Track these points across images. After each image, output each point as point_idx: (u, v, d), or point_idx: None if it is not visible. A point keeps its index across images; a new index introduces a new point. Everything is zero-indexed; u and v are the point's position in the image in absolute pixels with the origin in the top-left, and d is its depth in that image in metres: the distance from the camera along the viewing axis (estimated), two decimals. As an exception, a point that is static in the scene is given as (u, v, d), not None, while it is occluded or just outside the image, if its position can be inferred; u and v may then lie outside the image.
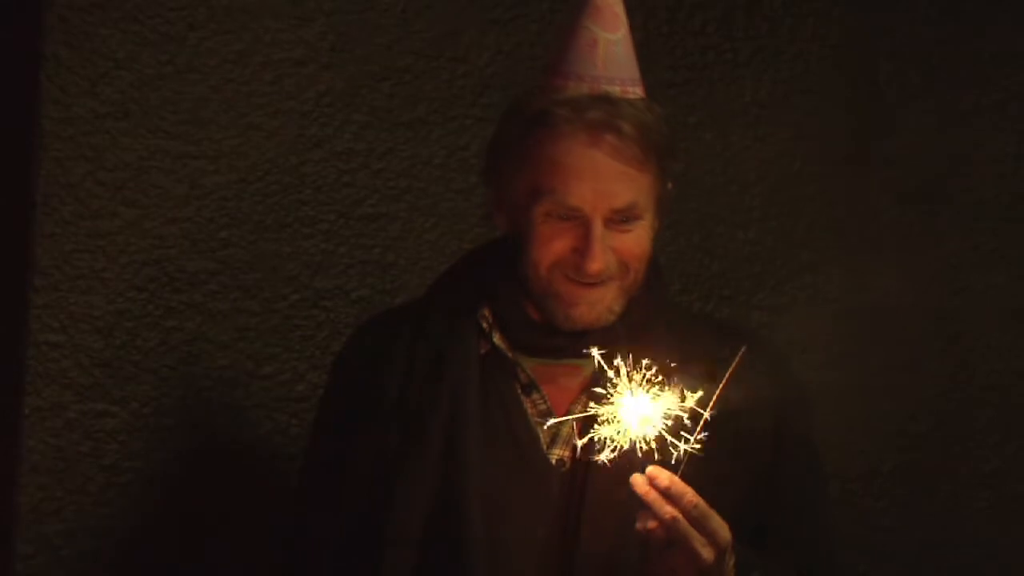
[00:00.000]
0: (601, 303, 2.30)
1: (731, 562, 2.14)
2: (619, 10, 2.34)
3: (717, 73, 3.31)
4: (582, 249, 2.26)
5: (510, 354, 2.35)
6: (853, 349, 3.38)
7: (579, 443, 2.17)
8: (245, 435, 2.98)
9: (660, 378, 2.13)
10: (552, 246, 2.28)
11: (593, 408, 2.14)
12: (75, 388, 2.87)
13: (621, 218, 2.27)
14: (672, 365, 2.16)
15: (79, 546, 2.88)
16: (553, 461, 2.31)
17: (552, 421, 2.27)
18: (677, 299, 3.12)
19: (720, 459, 2.19)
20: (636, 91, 2.32)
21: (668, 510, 2.07)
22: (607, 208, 2.26)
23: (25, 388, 2.84)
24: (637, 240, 2.30)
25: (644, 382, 2.12)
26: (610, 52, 2.32)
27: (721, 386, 2.10)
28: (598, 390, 2.15)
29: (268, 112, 2.99)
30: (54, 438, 2.86)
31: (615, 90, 2.30)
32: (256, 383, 2.99)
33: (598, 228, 2.26)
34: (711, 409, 2.10)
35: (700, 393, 2.11)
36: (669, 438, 2.10)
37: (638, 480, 2.08)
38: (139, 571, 2.92)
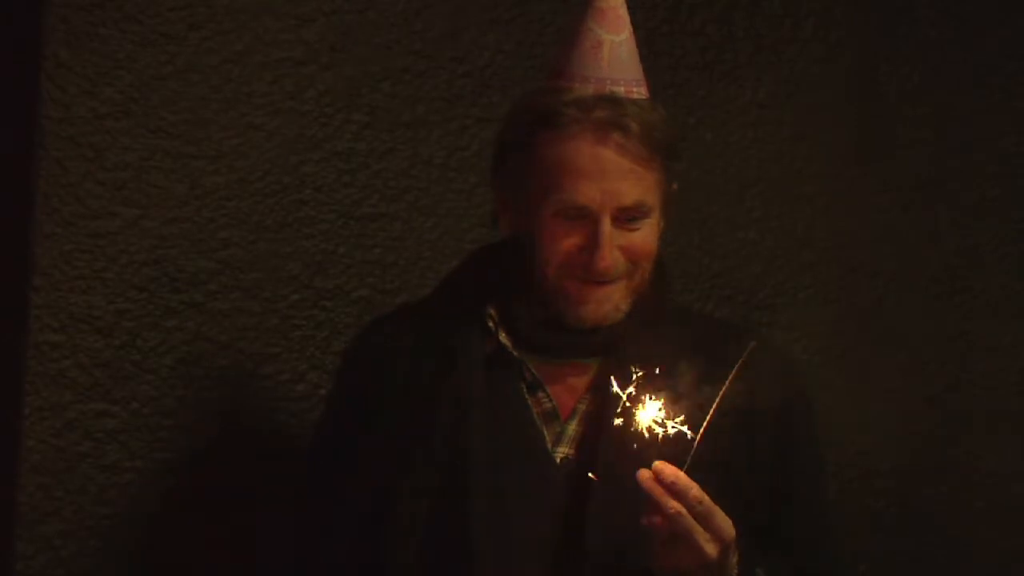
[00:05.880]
0: (609, 301, 2.30)
1: (735, 558, 2.15)
2: (622, 12, 2.36)
3: (717, 73, 3.31)
4: (590, 248, 2.27)
5: (516, 353, 2.35)
6: (853, 349, 3.38)
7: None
8: (245, 435, 2.98)
9: (665, 376, 2.14)
10: (561, 246, 2.29)
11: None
12: (75, 388, 2.86)
13: (628, 217, 2.28)
14: (676, 363, 2.16)
15: (79, 546, 2.87)
16: (558, 460, 2.31)
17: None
18: (677, 299, 3.12)
19: (725, 456, 2.20)
20: (641, 91, 2.34)
21: (673, 505, 2.07)
22: (615, 206, 2.27)
23: (25, 388, 2.83)
24: (644, 239, 2.31)
25: (650, 381, 2.13)
26: (614, 53, 2.33)
27: (728, 382, 2.11)
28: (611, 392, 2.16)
29: (268, 112, 2.98)
30: (54, 438, 2.85)
31: (620, 90, 2.31)
32: (256, 383, 2.98)
33: (606, 226, 2.27)
34: (716, 405, 2.10)
35: (705, 390, 2.11)
36: (674, 434, 2.10)
37: (644, 475, 2.09)
38: (139, 571, 2.91)
